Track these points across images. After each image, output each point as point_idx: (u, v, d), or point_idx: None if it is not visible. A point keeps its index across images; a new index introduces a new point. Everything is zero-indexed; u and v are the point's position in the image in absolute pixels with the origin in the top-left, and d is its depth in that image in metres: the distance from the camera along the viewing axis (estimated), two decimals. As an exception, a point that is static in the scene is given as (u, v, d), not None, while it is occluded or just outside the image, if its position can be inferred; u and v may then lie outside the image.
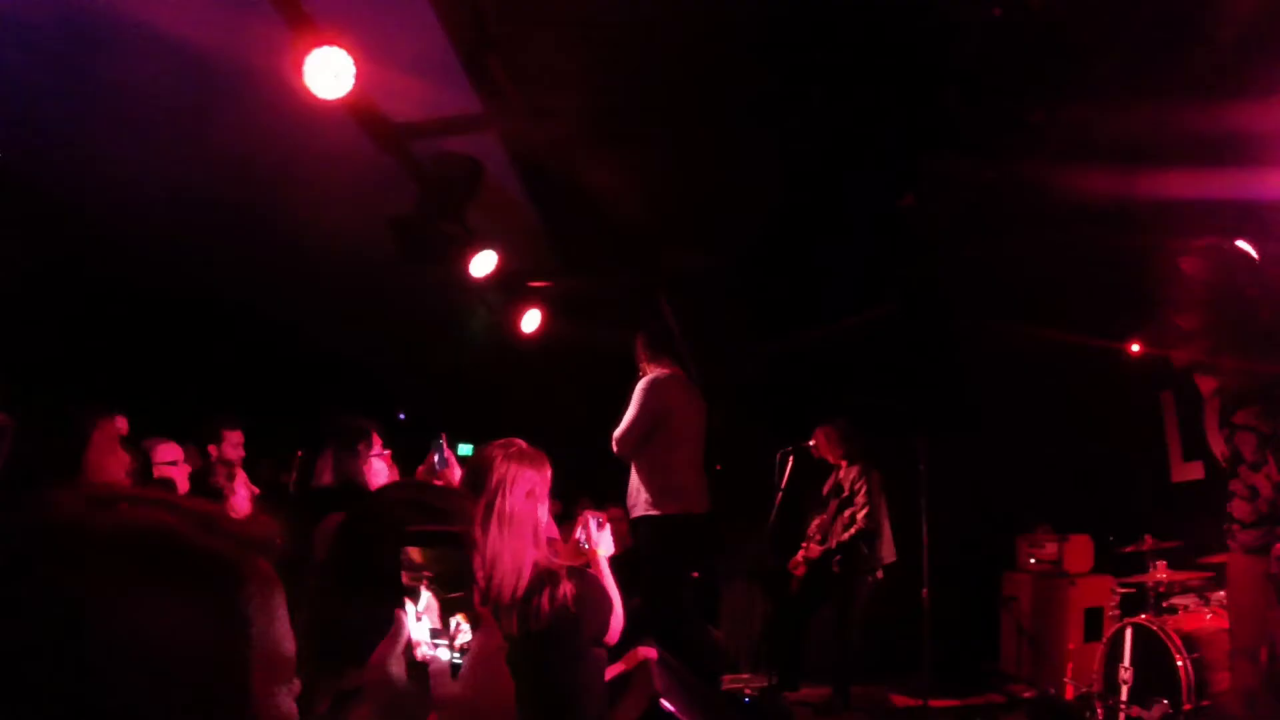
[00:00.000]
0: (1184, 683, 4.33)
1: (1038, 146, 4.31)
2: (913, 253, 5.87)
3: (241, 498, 3.83)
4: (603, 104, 4.57)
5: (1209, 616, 4.63)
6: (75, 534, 0.74)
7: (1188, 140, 3.78)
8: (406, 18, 4.02)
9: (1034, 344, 5.87)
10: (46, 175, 4.38)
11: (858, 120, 4.79)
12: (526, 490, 2.68)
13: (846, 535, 5.89)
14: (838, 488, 6.14)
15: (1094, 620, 5.74)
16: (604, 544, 3.23)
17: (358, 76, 3.82)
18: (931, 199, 4.85)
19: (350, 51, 3.75)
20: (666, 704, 3.24)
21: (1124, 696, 4.62)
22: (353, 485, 3.40)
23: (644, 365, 5.41)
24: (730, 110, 4.66)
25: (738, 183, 5.30)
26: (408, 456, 3.91)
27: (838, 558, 5.92)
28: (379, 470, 3.49)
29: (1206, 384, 3.53)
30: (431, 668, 1.35)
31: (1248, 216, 3.74)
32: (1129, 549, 5.08)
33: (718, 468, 7.16)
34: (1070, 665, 5.53)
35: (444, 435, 3.43)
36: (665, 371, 5.33)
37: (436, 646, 1.38)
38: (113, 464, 2.82)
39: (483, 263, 5.54)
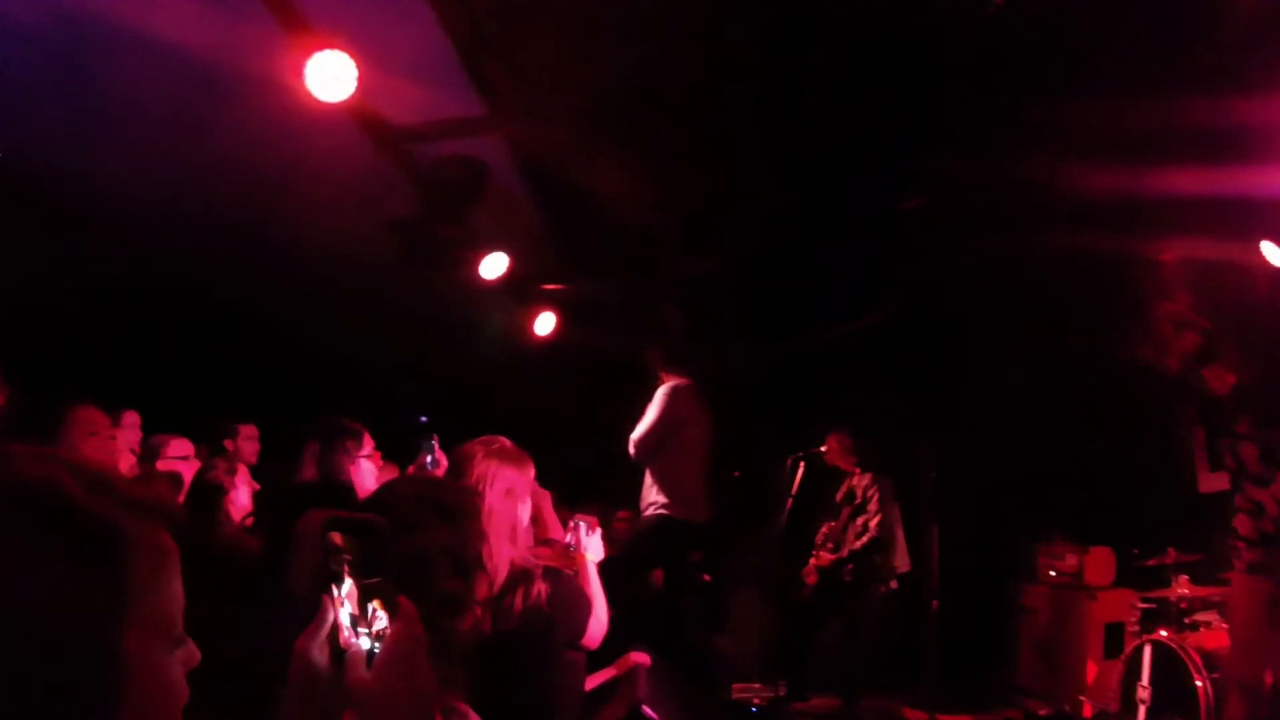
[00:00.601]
0: (1203, 704, 4.17)
1: (1044, 144, 4.23)
2: (922, 255, 5.79)
3: (242, 493, 3.85)
4: (603, 105, 4.56)
5: (1231, 634, 4.46)
6: None
7: (1194, 137, 3.67)
8: (406, 21, 4.03)
9: (1053, 349, 5.75)
10: (55, 179, 4.47)
11: (859, 121, 4.74)
12: (506, 488, 2.66)
13: (859, 544, 5.78)
14: (850, 495, 6.04)
15: (1115, 636, 5.55)
16: (593, 549, 3.18)
17: (359, 80, 3.85)
18: (938, 200, 4.78)
19: (351, 55, 3.77)
20: (648, 711, 3.19)
21: (1141, 717, 4.47)
22: (336, 482, 3.39)
23: (661, 375, 5.56)
24: (730, 110, 4.62)
25: (739, 184, 5.26)
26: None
27: (849, 566, 5.82)
28: (367, 471, 3.49)
29: (1217, 384, 3.40)
30: (350, 654, 1.33)
31: (1256, 215, 3.62)
32: (1151, 562, 4.93)
33: (735, 474, 7.14)
34: (1089, 682, 5.37)
35: (435, 436, 3.42)
36: (683, 382, 5.48)
37: (358, 634, 1.36)
38: (92, 451, 2.85)
39: (493, 265, 5.56)
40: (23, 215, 4.46)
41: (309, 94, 3.75)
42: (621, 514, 6.57)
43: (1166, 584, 4.73)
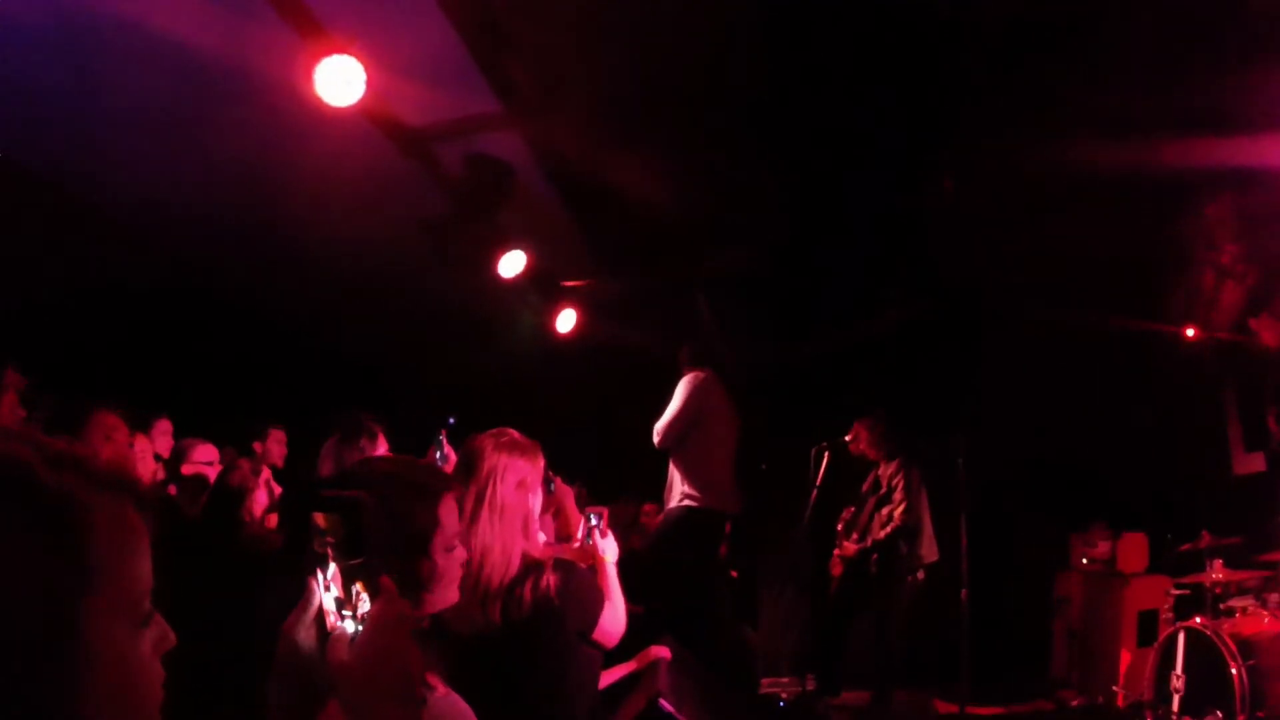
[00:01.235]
0: (1238, 692, 4.07)
1: (1073, 124, 4.14)
2: (949, 245, 5.72)
3: (261, 493, 3.92)
4: (615, 100, 4.56)
5: (1267, 620, 4.34)
6: None
7: (1225, 110, 3.57)
8: (419, 21, 4.07)
9: (1081, 332, 5.65)
10: (81, 184, 4.59)
11: (886, 113, 4.70)
12: (518, 480, 2.66)
13: (884, 533, 5.72)
14: (876, 484, 5.98)
15: (1149, 623, 5.45)
16: (608, 548, 3.12)
17: (374, 83, 3.89)
18: (964, 188, 4.72)
19: (365, 58, 3.81)
20: (665, 704, 3.18)
21: (1175, 707, 4.37)
22: (352, 477, 3.41)
23: (684, 370, 5.58)
24: (754, 105, 4.60)
25: (766, 179, 5.24)
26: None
27: (875, 556, 5.76)
28: (382, 466, 3.51)
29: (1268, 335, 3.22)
30: (333, 636, 1.34)
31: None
32: (1185, 547, 4.83)
33: (763, 466, 7.11)
34: (1123, 672, 5.27)
35: (444, 431, 3.45)
36: (706, 373, 5.50)
37: (344, 616, 1.38)
38: (107, 455, 2.91)
39: (511, 263, 5.60)
40: (66, 224, 4.59)
41: (322, 98, 3.80)
42: (648, 507, 6.58)
43: (1201, 569, 4.63)
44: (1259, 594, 4.60)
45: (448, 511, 1.75)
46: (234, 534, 3.63)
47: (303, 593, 1.37)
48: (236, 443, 5.33)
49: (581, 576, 2.68)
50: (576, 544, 3.20)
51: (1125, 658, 5.43)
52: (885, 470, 5.90)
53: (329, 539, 1.38)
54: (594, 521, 3.11)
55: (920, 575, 5.70)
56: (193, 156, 4.47)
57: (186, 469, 4.47)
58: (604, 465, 6.53)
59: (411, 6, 4.01)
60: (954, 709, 5.46)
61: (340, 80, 3.77)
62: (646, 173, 4.91)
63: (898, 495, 5.71)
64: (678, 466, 5.46)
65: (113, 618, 0.82)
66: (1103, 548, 5.87)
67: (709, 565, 5.65)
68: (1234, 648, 4.15)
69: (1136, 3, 3.72)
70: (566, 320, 6.42)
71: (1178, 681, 4.39)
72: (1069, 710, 5.45)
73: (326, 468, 3.51)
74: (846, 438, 5.96)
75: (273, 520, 3.77)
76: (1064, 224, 5.10)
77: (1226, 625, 4.34)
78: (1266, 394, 4.65)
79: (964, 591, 5.01)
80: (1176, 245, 4.61)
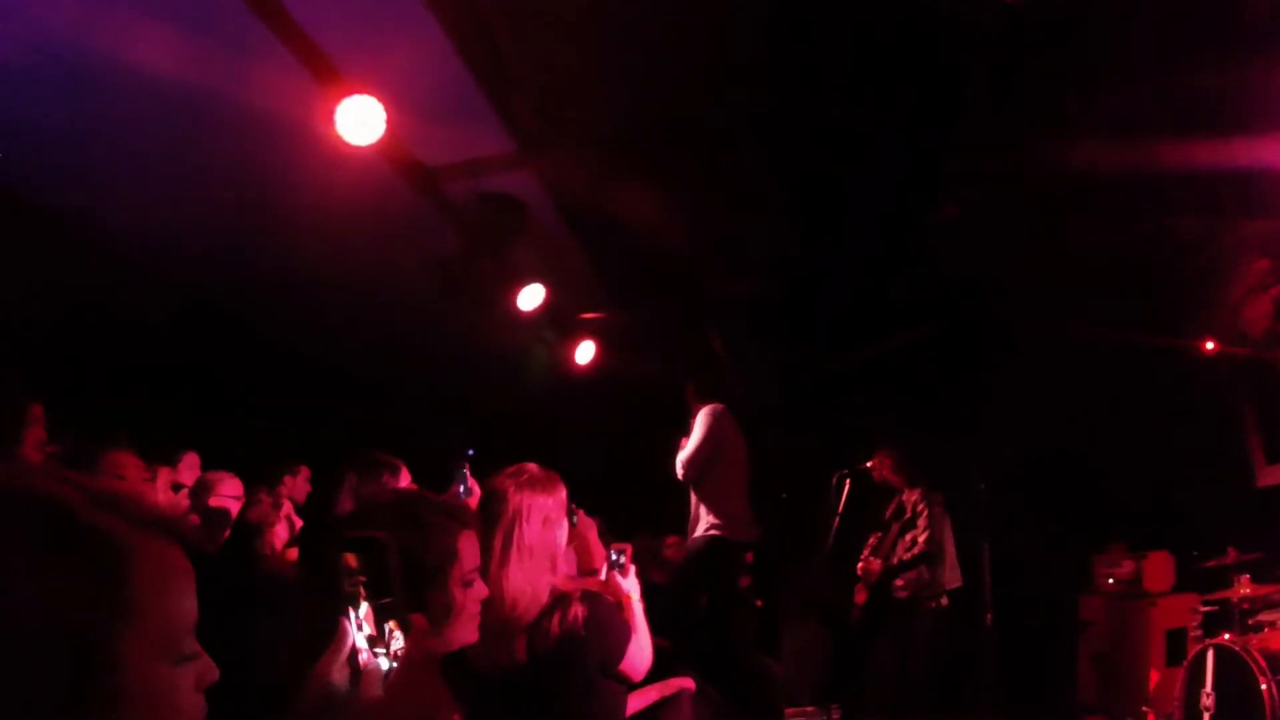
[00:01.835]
0: (1268, 708, 4.01)
1: (1077, 135, 4.15)
2: (964, 263, 5.73)
3: (281, 527, 3.96)
4: (622, 134, 4.62)
5: (1295, 634, 4.31)
6: None
7: (1237, 113, 3.56)
8: (431, 62, 4.15)
9: (1096, 348, 5.64)
10: (118, 233, 4.71)
11: (892, 131, 4.73)
12: (543, 518, 2.65)
13: (908, 556, 5.69)
14: (900, 510, 5.95)
15: (1177, 642, 5.37)
16: (631, 587, 3.11)
17: (390, 123, 3.97)
18: (972, 205, 4.73)
19: (381, 98, 3.90)
20: (690, 737, 3.16)
21: (1206, 725, 4.32)
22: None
23: (695, 406, 5.64)
24: (755, 128, 4.65)
25: (771, 204, 5.28)
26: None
27: (898, 582, 5.71)
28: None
29: None
30: (366, 673, 1.35)
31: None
32: (1211, 564, 4.79)
33: (783, 495, 7.09)
34: (1151, 692, 5.20)
35: (467, 465, 3.46)
36: (720, 405, 5.59)
37: (376, 654, 1.40)
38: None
39: (530, 297, 5.66)
40: (93, 262, 4.69)
41: (343, 138, 3.88)
42: (670, 539, 6.57)
43: (1228, 585, 4.58)
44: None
45: (466, 545, 1.75)
46: (253, 567, 3.67)
47: (323, 624, 1.39)
48: (263, 478, 5.38)
49: (609, 608, 2.68)
50: (600, 578, 3.20)
51: (1153, 678, 5.34)
52: (909, 496, 5.87)
53: (360, 578, 1.40)
54: (617, 558, 3.12)
55: (944, 601, 5.65)
56: (212, 196, 4.57)
57: (213, 501, 4.53)
58: (619, 498, 6.53)
59: (425, 48, 4.08)
60: (980, 735, 5.40)
61: (360, 120, 3.86)
62: (655, 204, 4.96)
63: (922, 522, 5.68)
64: (701, 498, 5.50)
65: (152, 654, 0.84)
66: (1127, 567, 5.80)
67: (731, 595, 5.65)
68: (1263, 663, 4.09)
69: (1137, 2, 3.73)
70: (585, 352, 6.46)
71: (1207, 700, 4.32)
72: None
73: (346, 505, 3.53)
74: (869, 464, 5.95)
75: (293, 554, 3.81)
76: (1074, 234, 5.10)
77: (1255, 641, 4.29)
78: None
79: (989, 615, 4.96)
80: (1199, 257, 4.59)
